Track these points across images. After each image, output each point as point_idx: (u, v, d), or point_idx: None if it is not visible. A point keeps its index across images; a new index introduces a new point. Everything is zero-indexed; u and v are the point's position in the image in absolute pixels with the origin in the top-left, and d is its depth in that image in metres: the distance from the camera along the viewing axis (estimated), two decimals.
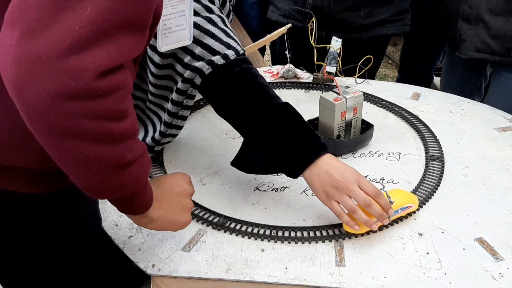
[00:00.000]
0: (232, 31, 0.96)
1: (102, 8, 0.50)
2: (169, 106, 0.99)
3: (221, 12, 0.98)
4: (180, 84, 0.95)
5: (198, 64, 0.91)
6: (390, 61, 3.87)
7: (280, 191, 1.02)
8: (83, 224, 0.86)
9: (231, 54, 0.91)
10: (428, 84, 2.42)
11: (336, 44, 1.39)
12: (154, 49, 0.95)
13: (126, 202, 0.68)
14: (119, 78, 0.55)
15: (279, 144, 0.88)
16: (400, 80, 2.47)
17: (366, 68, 1.40)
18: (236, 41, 0.94)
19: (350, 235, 0.89)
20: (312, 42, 1.37)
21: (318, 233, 0.90)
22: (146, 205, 0.72)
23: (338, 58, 1.39)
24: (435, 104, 1.35)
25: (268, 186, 1.03)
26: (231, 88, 0.91)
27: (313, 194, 0.90)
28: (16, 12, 0.49)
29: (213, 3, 0.96)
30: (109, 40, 0.52)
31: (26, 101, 0.50)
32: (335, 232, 0.90)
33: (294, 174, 0.89)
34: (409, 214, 0.93)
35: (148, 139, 1.08)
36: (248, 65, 0.93)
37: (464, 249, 0.86)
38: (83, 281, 0.90)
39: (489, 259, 0.84)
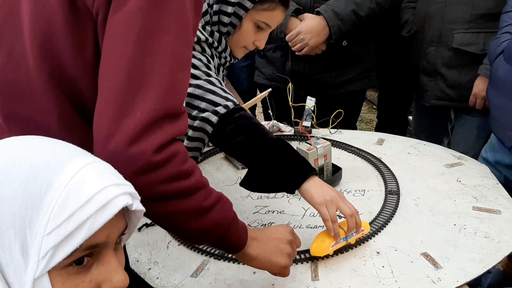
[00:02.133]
0: (226, 89, 1.23)
1: (148, 110, 0.70)
2: None
3: (217, 76, 1.24)
4: (191, 132, 1.18)
5: (205, 114, 1.16)
6: (374, 107, 4.17)
7: (267, 226, 1.26)
8: None
9: (230, 104, 1.16)
10: (405, 125, 2.70)
11: (310, 102, 1.67)
12: None
13: (222, 242, 0.86)
14: (172, 149, 0.74)
15: (278, 167, 1.09)
16: (379, 124, 2.76)
17: (338, 121, 1.68)
18: (232, 95, 1.20)
19: (318, 258, 1.12)
20: (290, 102, 1.65)
21: (298, 257, 1.13)
22: (240, 243, 0.89)
23: (312, 114, 1.66)
24: (396, 148, 1.61)
25: (258, 223, 1.27)
26: (235, 129, 1.13)
27: (296, 226, 1.14)
28: (97, 125, 0.72)
29: (210, 69, 1.22)
30: (157, 128, 0.71)
31: None
32: (311, 255, 1.14)
33: (292, 189, 1.09)
34: (368, 237, 1.17)
35: None
36: (244, 111, 1.19)
37: (411, 262, 1.09)
38: None
39: (431, 268, 1.07)
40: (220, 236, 0.84)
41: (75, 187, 0.54)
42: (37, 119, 0.80)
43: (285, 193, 1.38)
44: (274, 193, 1.38)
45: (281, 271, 0.98)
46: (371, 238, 1.18)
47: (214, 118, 1.14)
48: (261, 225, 1.26)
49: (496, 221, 1.20)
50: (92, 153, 0.63)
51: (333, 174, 1.40)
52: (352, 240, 1.14)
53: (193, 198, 0.78)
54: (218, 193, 0.84)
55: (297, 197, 1.36)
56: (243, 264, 1.11)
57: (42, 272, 0.52)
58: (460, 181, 1.39)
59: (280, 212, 1.30)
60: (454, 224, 1.20)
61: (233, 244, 0.89)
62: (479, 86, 1.79)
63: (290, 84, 1.64)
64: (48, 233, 0.52)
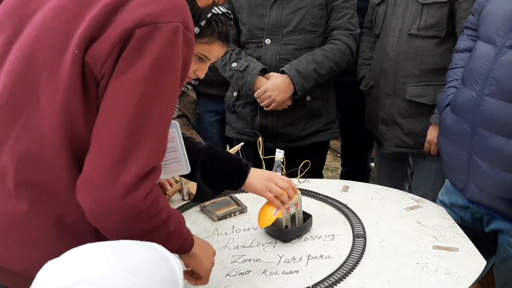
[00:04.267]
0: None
1: (141, 166, 0.85)
2: None
3: None
4: None
5: None
6: (338, 155, 4.34)
7: (245, 274, 1.33)
8: None
9: None
10: (368, 172, 2.84)
11: (279, 154, 1.79)
12: None
13: (177, 244, 1.04)
14: (154, 194, 0.89)
15: (221, 173, 1.30)
16: (344, 172, 2.89)
17: (306, 170, 1.80)
18: None
19: None
20: (261, 155, 1.76)
21: None
22: (189, 245, 1.09)
23: (282, 165, 1.78)
24: (360, 194, 1.73)
25: (236, 272, 1.34)
26: None
27: (272, 273, 1.22)
28: (91, 174, 0.85)
29: None
30: (145, 180, 0.87)
31: (106, 226, 0.87)
32: None
33: (238, 186, 1.33)
34: (340, 279, 1.25)
35: None
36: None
37: None
38: None
39: None
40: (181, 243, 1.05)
41: None
42: (46, 185, 0.89)
43: (260, 242, 1.46)
44: (250, 243, 1.46)
45: (205, 275, 1.16)
46: (342, 280, 1.26)
47: None
48: (239, 274, 1.33)
49: (454, 258, 1.31)
50: None
51: (304, 221, 1.49)
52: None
53: (166, 226, 0.95)
54: (178, 215, 1.02)
55: (271, 245, 1.44)
56: None
57: None
58: (420, 223, 1.51)
59: (256, 260, 1.37)
60: (417, 263, 1.31)
61: (187, 246, 1.08)
62: (432, 134, 1.94)
63: (260, 138, 1.76)
64: None
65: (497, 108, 1.36)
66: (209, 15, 1.30)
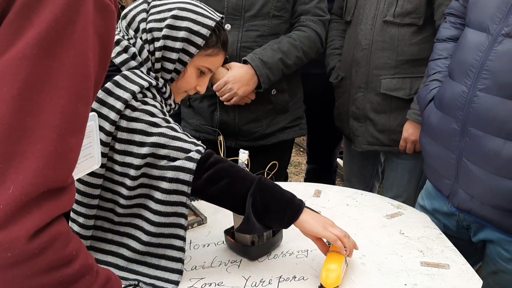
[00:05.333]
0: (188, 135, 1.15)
1: (23, 185, 0.57)
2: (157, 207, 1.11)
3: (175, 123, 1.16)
4: (166, 185, 1.08)
5: (178, 163, 1.07)
6: (302, 149, 4.18)
7: None
8: None
9: (201, 149, 1.10)
10: (334, 169, 2.68)
11: (243, 156, 1.57)
12: (127, 165, 1.09)
13: None
14: (53, 231, 0.60)
15: (275, 206, 1.11)
16: (310, 169, 2.72)
17: (273, 173, 1.59)
18: (196, 140, 1.13)
19: None
20: (222, 156, 1.54)
21: None
22: None
23: (247, 168, 1.56)
24: (334, 199, 1.54)
25: None
26: (215, 173, 1.09)
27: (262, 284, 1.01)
28: None
29: (165, 115, 1.15)
30: (34, 207, 0.58)
31: None
32: None
33: (289, 224, 1.13)
34: None
35: (127, 253, 1.16)
36: (215, 153, 1.13)
37: None
38: None
39: None
40: None
41: None
42: None
43: (222, 261, 1.25)
44: (211, 262, 1.25)
45: None
46: None
47: (191, 165, 1.07)
48: None
49: (446, 277, 1.15)
50: None
51: (273, 236, 1.29)
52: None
53: (75, 287, 0.64)
54: (106, 273, 0.72)
55: (236, 265, 1.23)
56: None
57: None
58: (403, 233, 1.34)
59: (218, 284, 1.16)
60: (405, 284, 1.13)
61: None
62: (409, 130, 1.79)
63: (221, 136, 1.54)
64: None
65: (493, 105, 1.19)
66: (213, 23, 1.19)
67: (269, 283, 1.16)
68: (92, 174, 1.09)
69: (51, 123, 0.60)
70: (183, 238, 1.14)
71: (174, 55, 1.18)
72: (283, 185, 1.65)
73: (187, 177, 1.08)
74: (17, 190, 0.56)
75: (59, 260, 0.62)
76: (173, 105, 1.28)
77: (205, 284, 1.16)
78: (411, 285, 1.13)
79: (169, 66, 1.20)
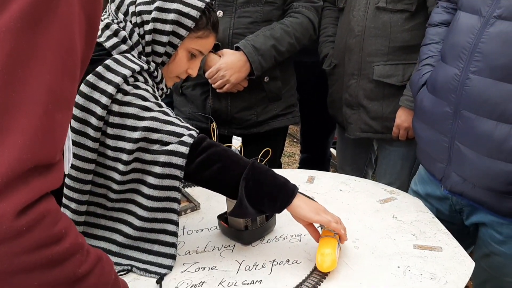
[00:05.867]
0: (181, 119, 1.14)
1: (10, 161, 0.55)
2: (149, 192, 1.10)
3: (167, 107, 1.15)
4: (159, 169, 1.07)
5: (170, 147, 1.06)
6: (295, 140, 4.18)
7: (199, 286, 1.11)
8: None
9: (194, 133, 1.09)
10: (328, 158, 2.68)
11: (236, 142, 1.57)
12: (119, 150, 1.08)
13: None
14: (41, 208, 0.59)
15: (269, 191, 1.10)
16: (304, 158, 2.72)
17: (266, 160, 1.58)
18: (188, 124, 1.12)
19: None
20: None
21: None
22: None
23: (240, 155, 1.55)
24: (327, 185, 1.54)
25: (187, 284, 1.12)
26: (208, 158, 1.09)
27: (230, 284, 1.01)
28: None
29: (158, 99, 1.14)
30: (21, 184, 0.57)
31: None
32: None
33: (283, 208, 1.12)
34: None
35: (120, 238, 1.15)
36: (208, 139, 1.12)
37: None
38: None
39: None
40: None
41: None
42: None
43: (215, 246, 1.24)
44: (204, 247, 1.24)
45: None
46: None
47: (183, 149, 1.06)
48: (191, 286, 1.11)
49: (439, 260, 1.15)
50: None
51: (267, 220, 1.29)
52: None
53: (65, 266, 0.63)
54: (97, 252, 0.71)
55: (229, 249, 1.23)
56: None
57: None
58: (396, 218, 1.34)
59: (211, 269, 1.16)
60: (398, 266, 1.13)
61: None
62: (401, 117, 1.79)
63: (214, 124, 1.53)
64: None
65: (485, 88, 1.19)
66: (203, 4, 1.18)
67: (262, 266, 1.16)
68: (83, 159, 1.08)
69: (37, 98, 0.58)
70: (176, 223, 1.14)
71: (164, 38, 1.17)
72: (276, 172, 1.65)
73: (180, 161, 1.07)
74: (2, 166, 0.55)
75: (48, 238, 0.60)
76: (165, 89, 1.26)
77: (199, 268, 1.16)
78: (404, 268, 1.13)
79: (160, 49, 1.18)
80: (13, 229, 0.56)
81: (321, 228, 1.18)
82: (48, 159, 0.60)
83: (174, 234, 1.14)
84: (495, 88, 1.18)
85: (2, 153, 0.55)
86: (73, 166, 1.09)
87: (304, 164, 2.67)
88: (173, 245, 1.15)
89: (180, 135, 1.08)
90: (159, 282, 1.10)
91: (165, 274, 1.12)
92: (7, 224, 0.55)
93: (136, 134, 1.07)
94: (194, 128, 1.12)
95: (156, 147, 1.08)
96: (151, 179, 1.10)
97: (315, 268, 1.14)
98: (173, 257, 1.14)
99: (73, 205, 1.13)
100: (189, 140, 1.07)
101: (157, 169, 1.08)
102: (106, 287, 0.72)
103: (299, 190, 1.15)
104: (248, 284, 1.10)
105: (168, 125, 1.09)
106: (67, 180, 1.11)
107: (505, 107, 1.17)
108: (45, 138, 0.59)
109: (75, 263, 0.65)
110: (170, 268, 1.13)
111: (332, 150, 2.92)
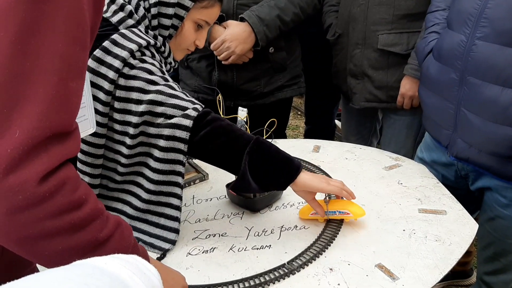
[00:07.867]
0: (187, 93, 1.14)
1: (29, 129, 0.57)
2: (156, 165, 1.12)
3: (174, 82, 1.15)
4: (163, 143, 1.08)
5: (174, 120, 1.06)
6: (299, 113, 4.18)
7: (210, 252, 1.15)
8: None
9: (198, 107, 1.09)
10: (332, 130, 2.69)
11: (242, 113, 1.59)
12: (126, 123, 1.09)
13: None
14: (61, 175, 0.61)
15: (273, 166, 1.09)
16: (308, 130, 2.74)
17: (272, 130, 1.60)
18: (193, 99, 1.12)
19: (269, 283, 1.03)
20: (221, 115, 1.55)
21: (247, 284, 1.03)
22: None
23: (245, 125, 1.57)
24: (333, 154, 1.56)
25: (199, 250, 1.16)
26: (211, 131, 1.08)
27: (241, 249, 1.04)
28: None
29: (164, 74, 1.14)
30: (42, 151, 0.58)
31: None
32: (261, 280, 1.04)
33: (287, 185, 1.12)
34: (319, 253, 1.09)
35: (130, 210, 1.18)
36: (213, 113, 1.12)
37: (367, 275, 1.03)
38: None
39: (388, 280, 1.01)
40: None
41: None
42: None
43: (225, 214, 1.27)
44: (214, 215, 1.27)
45: None
46: (321, 254, 1.10)
47: (187, 122, 1.06)
48: (202, 252, 1.14)
49: (444, 222, 1.18)
50: None
51: None
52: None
53: (87, 231, 0.65)
54: (116, 218, 0.73)
55: (238, 217, 1.26)
56: None
57: None
58: (401, 183, 1.37)
59: (222, 235, 1.19)
60: (404, 230, 1.16)
61: None
62: (406, 86, 1.79)
63: (220, 95, 1.54)
64: None
65: (491, 53, 1.20)
66: None
67: (271, 232, 1.19)
68: (94, 134, 1.10)
69: (50, 67, 0.59)
70: (179, 197, 1.15)
71: (170, 10, 1.17)
72: (282, 142, 1.67)
73: (184, 134, 1.07)
74: (23, 134, 0.56)
75: (70, 204, 0.62)
76: (173, 64, 1.26)
77: (209, 235, 1.19)
78: (409, 231, 1.16)
79: (166, 22, 1.18)
80: (37, 195, 0.58)
81: (326, 203, 1.19)
82: (66, 127, 0.62)
83: (178, 208, 1.15)
84: (501, 54, 1.18)
85: (21, 122, 0.57)
86: (84, 141, 1.11)
87: (309, 135, 2.68)
88: (177, 219, 1.16)
89: (185, 108, 1.08)
90: (160, 258, 1.12)
91: (167, 250, 1.14)
92: (30, 190, 0.57)
93: (141, 108, 1.07)
94: (199, 103, 1.12)
95: (160, 120, 1.08)
96: (156, 152, 1.11)
97: (322, 233, 1.16)
98: (176, 231, 1.16)
99: (86, 179, 1.15)
100: (193, 114, 1.07)
101: (162, 142, 1.09)
102: (126, 251, 0.73)
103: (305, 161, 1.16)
104: (258, 249, 1.14)
105: (173, 99, 1.08)
106: (79, 155, 1.14)
107: (510, 72, 1.18)
108: (61, 106, 0.61)
109: (97, 228, 0.67)
110: (173, 243, 1.15)
111: (336, 121, 2.93)
